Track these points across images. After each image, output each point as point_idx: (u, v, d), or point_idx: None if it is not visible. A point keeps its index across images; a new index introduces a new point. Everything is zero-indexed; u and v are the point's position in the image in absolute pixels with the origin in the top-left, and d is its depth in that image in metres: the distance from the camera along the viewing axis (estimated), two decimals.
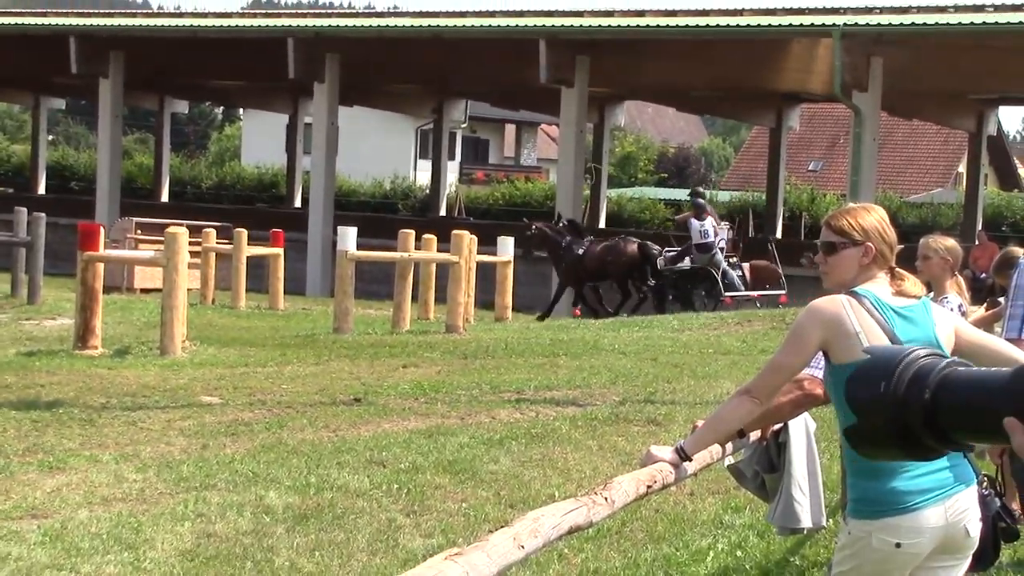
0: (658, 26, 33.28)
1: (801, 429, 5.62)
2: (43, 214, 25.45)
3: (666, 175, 72.55)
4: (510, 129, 75.02)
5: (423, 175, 55.62)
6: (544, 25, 34.16)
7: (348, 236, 21.17)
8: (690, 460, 4.93)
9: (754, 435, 5.48)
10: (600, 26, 33.94)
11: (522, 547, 3.87)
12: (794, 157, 56.32)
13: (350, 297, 20.89)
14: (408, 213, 46.36)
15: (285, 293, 27.43)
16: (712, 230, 29.09)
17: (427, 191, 48.52)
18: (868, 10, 32.01)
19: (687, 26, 32.68)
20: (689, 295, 28.84)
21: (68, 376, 14.64)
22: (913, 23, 29.97)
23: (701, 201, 29.95)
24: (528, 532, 3.93)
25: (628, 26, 33.58)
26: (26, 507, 8.58)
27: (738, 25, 31.93)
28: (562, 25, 34.04)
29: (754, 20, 32.09)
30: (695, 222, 29.12)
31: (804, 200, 44.63)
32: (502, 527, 3.98)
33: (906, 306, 4.70)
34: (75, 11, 47.12)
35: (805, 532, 6.12)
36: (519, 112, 56.35)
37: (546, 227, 30.21)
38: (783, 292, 29.02)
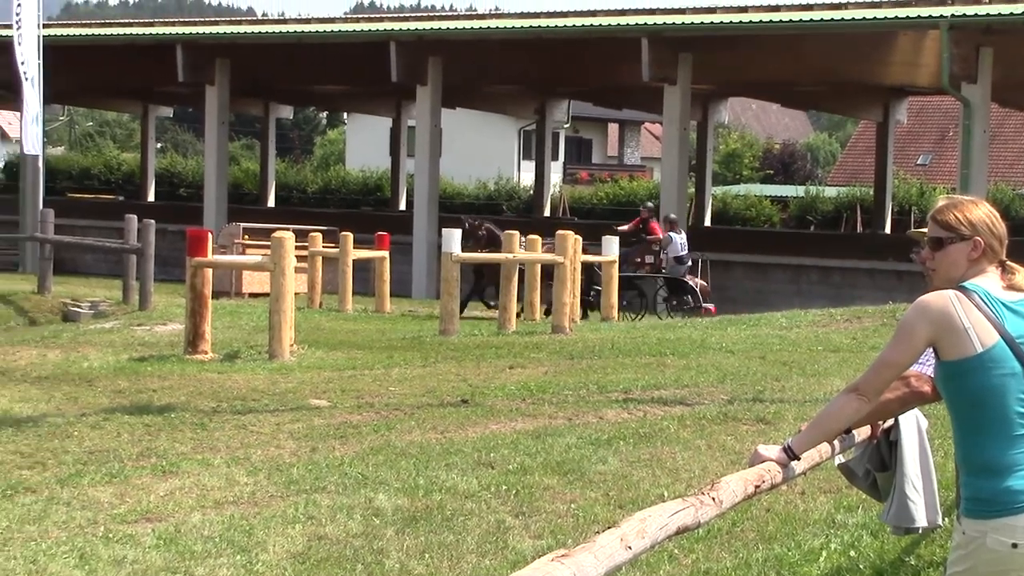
0: (761, 21, 33.01)
1: (912, 427, 5.55)
2: (152, 221, 25.79)
3: (772, 172, 72.00)
4: (613, 128, 74.88)
5: (527, 176, 55.68)
6: (646, 23, 34.05)
7: (453, 238, 21.24)
8: (798, 459, 4.89)
9: (863, 433, 5.42)
10: (702, 23, 33.78)
11: (629, 548, 3.85)
12: (902, 151, 55.74)
13: (456, 299, 20.98)
14: (512, 214, 46.41)
15: (391, 296, 27.59)
16: (687, 243, 29.91)
17: (531, 192, 48.56)
18: (976, 0, 31.52)
19: (790, 21, 32.37)
20: (652, 302, 29.56)
21: (179, 381, 14.83)
22: None
23: (675, 216, 30.57)
24: (635, 533, 3.92)
25: (730, 22, 33.39)
26: (140, 511, 8.70)
27: (842, 19, 31.60)
28: (664, 23, 33.92)
29: (858, 13, 31.74)
30: (675, 236, 29.58)
31: (913, 194, 44.15)
32: (611, 528, 3.97)
33: (1017, 300, 4.61)
34: (182, 20, 47.82)
35: (920, 531, 6.03)
36: (622, 111, 56.24)
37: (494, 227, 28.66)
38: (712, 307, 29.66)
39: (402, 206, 46.49)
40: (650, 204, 32.38)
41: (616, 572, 3.80)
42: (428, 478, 9.59)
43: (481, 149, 58.41)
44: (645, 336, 19.94)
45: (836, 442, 5.20)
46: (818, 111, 67.60)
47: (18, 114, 39.08)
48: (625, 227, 30.37)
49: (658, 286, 29.75)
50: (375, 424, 12.10)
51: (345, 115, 74.72)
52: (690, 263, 30.09)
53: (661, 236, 29.77)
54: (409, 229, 37.03)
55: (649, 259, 29.82)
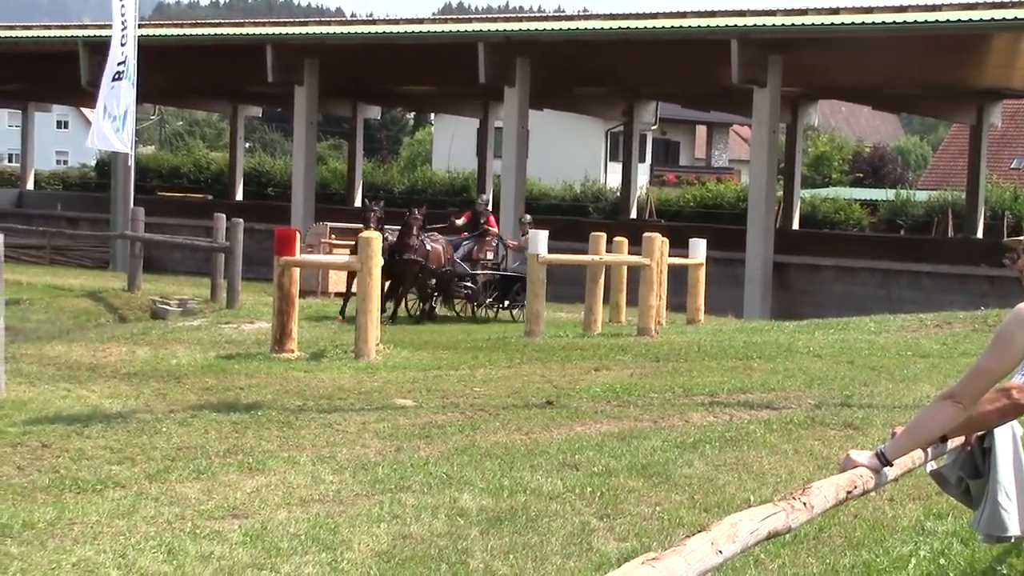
0: (853, 23, 32.71)
1: (1007, 434, 5.47)
2: (241, 220, 26.02)
3: (861, 175, 71.41)
4: (701, 130, 74.62)
5: (613, 177, 55.58)
6: (736, 25, 33.84)
7: (539, 239, 21.27)
8: (891, 465, 4.84)
9: (957, 440, 5.35)
10: (793, 24, 33.55)
11: (720, 552, 3.82)
12: (996, 155, 55.07)
13: (542, 300, 20.98)
14: (599, 216, 46.36)
15: None
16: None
17: (618, 193, 48.47)
18: None
19: (884, 23, 32.08)
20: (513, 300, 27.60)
21: (266, 379, 14.94)
22: None
23: (528, 218, 28.80)
24: (726, 537, 3.89)
25: (823, 24, 33.14)
26: (227, 507, 8.76)
27: (937, 20, 31.23)
28: (754, 24, 33.70)
29: (953, 15, 31.34)
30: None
31: (1006, 199, 43.63)
32: (698, 531, 3.94)
33: None
34: (271, 20, 48.13)
35: (1013, 540, 5.95)
36: (710, 113, 56.02)
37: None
38: None
39: (488, 206, 46.50)
40: (485, 197, 30.97)
41: None
42: (513, 479, 9.59)
43: (568, 150, 58.40)
44: (731, 339, 19.84)
45: (929, 448, 5.15)
46: (910, 114, 66.94)
47: (96, 111, 39.48)
48: (460, 220, 28.61)
49: (494, 284, 27.69)
50: (460, 424, 12.12)
51: (432, 116, 75.00)
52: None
53: (498, 230, 28.44)
54: None
55: (489, 255, 27.88)
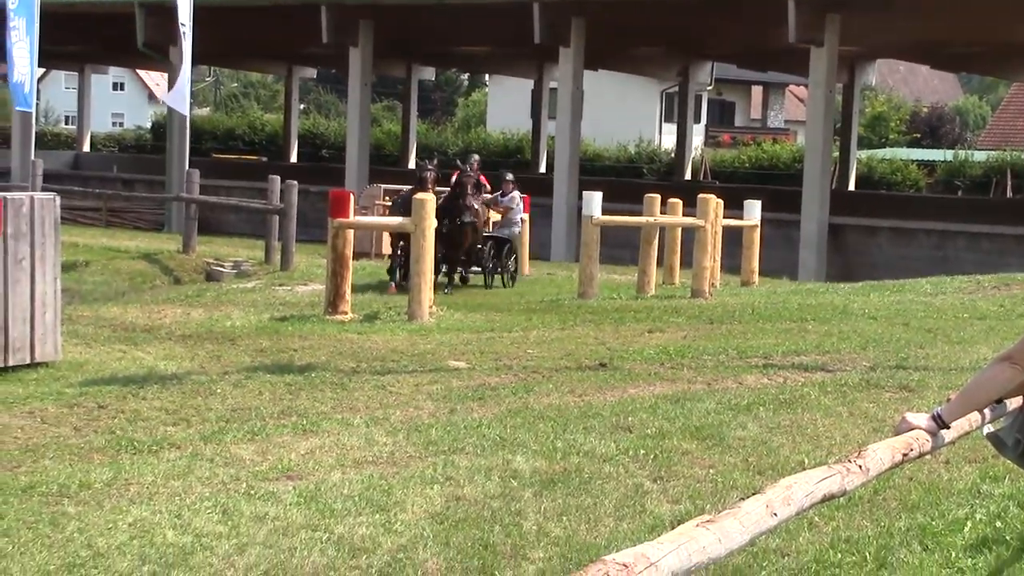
0: None
1: None
2: (295, 182, 26.09)
3: (919, 135, 70.81)
4: (757, 91, 74.18)
5: (668, 139, 55.37)
6: None
7: (593, 201, 21.20)
8: (948, 428, 4.81)
9: (1015, 403, 5.30)
10: None
11: (775, 515, 3.81)
12: None
13: (595, 262, 20.93)
14: (653, 177, 46.15)
15: (530, 258, 27.63)
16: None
17: (672, 155, 48.27)
18: None
19: None
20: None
21: (319, 341, 15.00)
22: None
23: (511, 176, 25.82)
24: (781, 500, 3.87)
25: None
26: (281, 468, 8.81)
27: None
28: None
29: None
30: (517, 195, 25.37)
31: None
32: (753, 494, 3.93)
33: None
34: None
35: None
36: (766, 73, 55.69)
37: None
38: None
39: (542, 168, 46.47)
40: (476, 157, 25.18)
41: (758, 538, 3.76)
42: (566, 441, 9.59)
43: (622, 111, 58.18)
44: (786, 301, 19.76)
45: (986, 411, 5.10)
46: (969, 73, 66.26)
47: (166, 75, 39.66)
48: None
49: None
50: (513, 386, 12.13)
51: (487, 77, 74.89)
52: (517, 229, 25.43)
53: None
54: (549, 191, 36.98)
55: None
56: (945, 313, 17.93)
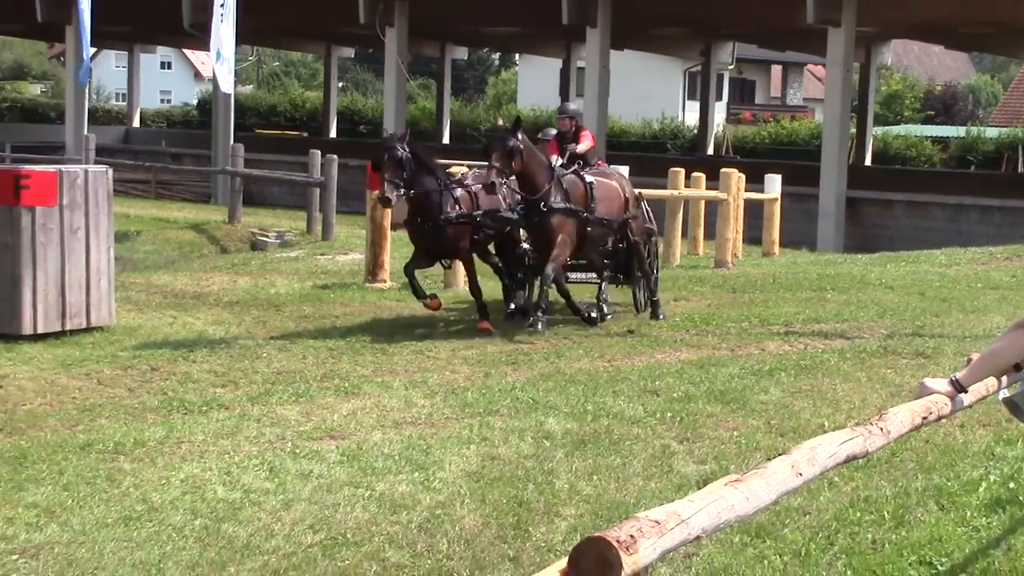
0: None
1: None
2: (335, 156, 26.06)
3: (933, 113, 70.36)
4: (776, 70, 73.76)
5: (691, 116, 55.11)
6: None
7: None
8: (965, 392, 4.79)
9: None
10: None
11: (800, 475, 3.81)
12: None
13: None
14: (677, 152, 45.98)
15: None
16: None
17: (695, 131, 48.09)
18: None
19: None
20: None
21: (360, 308, 15.03)
22: None
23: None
24: (806, 460, 3.87)
25: None
26: (325, 428, 8.85)
27: None
28: None
29: None
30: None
31: None
32: (778, 455, 3.92)
33: None
34: None
35: None
36: (785, 53, 55.29)
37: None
38: None
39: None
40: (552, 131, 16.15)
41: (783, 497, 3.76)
42: (596, 404, 9.61)
43: (647, 89, 57.93)
44: (806, 271, 19.70)
45: (1003, 376, 5.09)
46: (981, 53, 65.78)
47: (210, 54, 39.67)
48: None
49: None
50: (545, 352, 12.15)
51: (517, 56, 74.65)
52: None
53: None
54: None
55: None
56: (959, 283, 17.85)
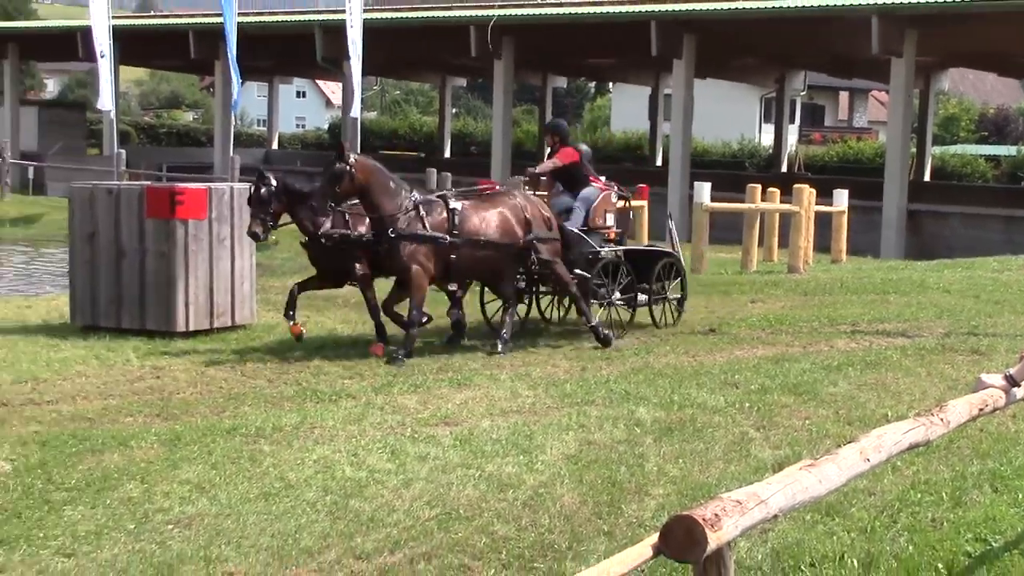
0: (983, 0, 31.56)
1: None
2: (449, 173, 26.17)
3: (986, 134, 69.19)
4: (844, 95, 73.06)
5: (766, 137, 54.72)
6: (876, 2, 32.93)
7: (703, 190, 21.18)
8: (1019, 386, 4.70)
9: None
10: (929, 1, 32.51)
11: (867, 460, 3.77)
12: None
13: (705, 242, 20.83)
14: (754, 170, 45.64)
15: (649, 240, 27.42)
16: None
17: (770, 151, 47.72)
18: None
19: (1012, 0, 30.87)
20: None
21: (472, 310, 15.01)
22: None
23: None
24: (873, 447, 3.83)
25: (956, 1, 32.04)
26: (440, 416, 8.87)
27: None
28: (892, 2, 32.76)
29: None
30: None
31: None
32: (848, 442, 3.88)
33: None
34: (473, 3, 48.12)
35: None
36: (852, 80, 54.75)
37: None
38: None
39: (658, 163, 46.19)
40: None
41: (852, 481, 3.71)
42: (681, 395, 9.55)
43: (727, 114, 57.54)
44: (870, 276, 19.44)
45: None
46: None
47: (340, 84, 40.00)
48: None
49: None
50: (636, 348, 12.09)
51: (610, 84, 74.50)
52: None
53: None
54: (664, 182, 36.72)
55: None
56: (1011, 287, 17.51)
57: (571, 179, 13.26)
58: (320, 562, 5.88)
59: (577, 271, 12.68)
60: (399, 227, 11.49)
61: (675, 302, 14.00)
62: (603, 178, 13.72)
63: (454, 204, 11.87)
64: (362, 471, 7.38)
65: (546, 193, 14.03)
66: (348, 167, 11.43)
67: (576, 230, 12.91)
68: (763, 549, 5.99)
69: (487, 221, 11.97)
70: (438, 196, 12.07)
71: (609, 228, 13.41)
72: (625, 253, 13.40)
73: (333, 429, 8.42)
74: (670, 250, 14.28)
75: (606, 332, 12.35)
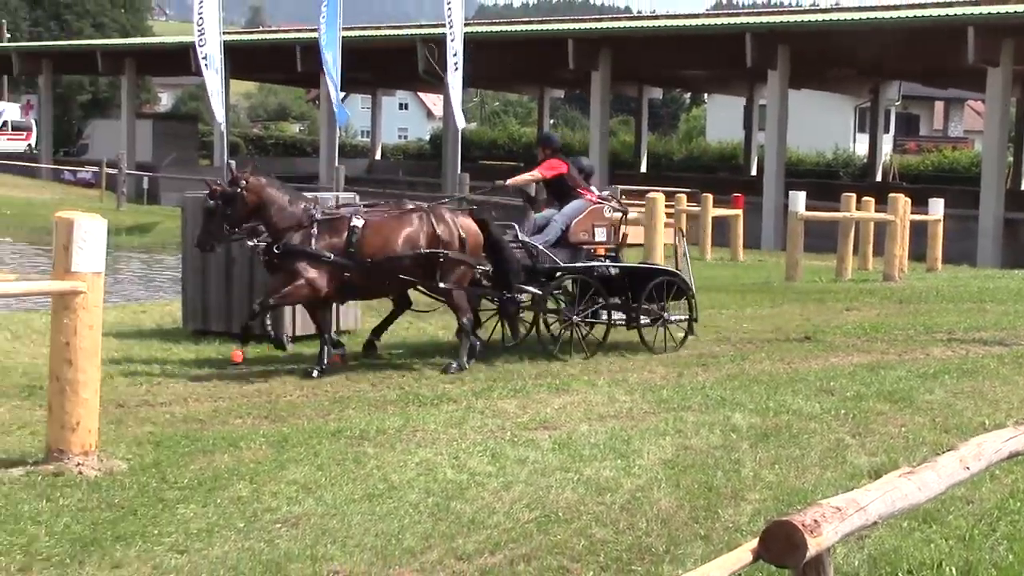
0: None
1: None
2: (467, 174, 26.12)
3: None
4: (939, 105, 71.96)
5: (861, 147, 54.09)
6: (971, 13, 32.44)
7: (798, 199, 20.99)
8: None
9: None
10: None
11: (967, 468, 3.69)
12: None
13: (800, 250, 20.64)
14: (848, 179, 45.16)
15: (744, 247, 27.26)
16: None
17: (865, 160, 47.18)
18: None
19: None
20: None
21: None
22: None
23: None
24: (972, 455, 3.75)
25: None
26: (539, 420, 8.87)
27: None
28: (988, 12, 32.24)
29: None
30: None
31: None
32: (947, 450, 3.81)
33: None
34: (572, 17, 48.19)
35: None
36: (947, 90, 53.91)
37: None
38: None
39: (753, 172, 45.88)
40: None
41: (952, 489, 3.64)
42: (777, 401, 9.45)
43: (821, 123, 56.98)
44: (967, 285, 19.13)
45: None
46: None
47: (441, 96, 40.24)
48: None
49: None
50: (731, 355, 12.00)
51: (705, 95, 74.11)
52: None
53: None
54: (758, 191, 36.47)
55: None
56: None
57: (559, 191, 12.75)
58: (422, 562, 5.90)
59: (530, 288, 12.05)
60: (290, 242, 10.96)
61: (679, 324, 12.76)
62: (596, 191, 13.16)
63: (355, 222, 11.17)
64: (463, 473, 7.40)
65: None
66: (238, 189, 10.98)
67: (540, 244, 12.30)
68: (860, 555, 5.90)
69: (388, 240, 11.24)
70: (346, 212, 11.37)
71: (597, 243, 12.64)
72: (619, 270, 12.64)
73: (435, 432, 8.45)
74: (670, 268, 13.48)
75: (473, 346, 11.52)
